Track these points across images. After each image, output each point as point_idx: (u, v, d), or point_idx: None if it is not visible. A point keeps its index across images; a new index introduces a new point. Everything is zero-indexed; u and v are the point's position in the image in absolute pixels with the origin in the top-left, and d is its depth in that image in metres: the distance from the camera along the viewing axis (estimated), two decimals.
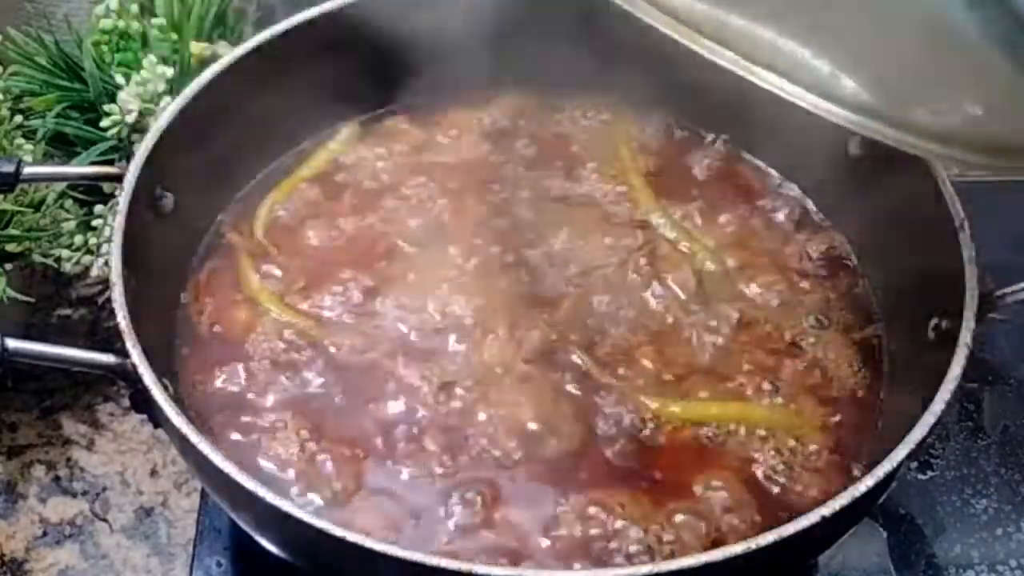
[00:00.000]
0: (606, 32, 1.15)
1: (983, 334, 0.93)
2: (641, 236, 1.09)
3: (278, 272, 1.07)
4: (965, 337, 0.91)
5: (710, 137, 1.17)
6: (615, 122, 1.18)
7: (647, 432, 0.97)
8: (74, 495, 1.14)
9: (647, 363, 1.01)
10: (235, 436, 0.97)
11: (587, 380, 1.00)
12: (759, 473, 0.96)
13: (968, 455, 1.13)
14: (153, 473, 1.15)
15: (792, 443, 0.97)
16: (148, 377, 0.88)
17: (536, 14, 1.14)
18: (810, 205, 1.14)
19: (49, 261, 1.15)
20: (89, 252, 1.15)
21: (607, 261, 1.07)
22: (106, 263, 1.00)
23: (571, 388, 0.99)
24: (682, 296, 1.05)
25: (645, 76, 1.15)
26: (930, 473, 1.12)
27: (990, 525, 1.09)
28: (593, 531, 0.91)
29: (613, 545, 0.91)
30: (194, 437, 0.86)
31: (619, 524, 0.92)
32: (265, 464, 0.95)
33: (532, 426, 0.96)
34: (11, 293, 1.11)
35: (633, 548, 0.91)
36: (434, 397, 0.98)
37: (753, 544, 0.81)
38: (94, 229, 1.15)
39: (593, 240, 1.09)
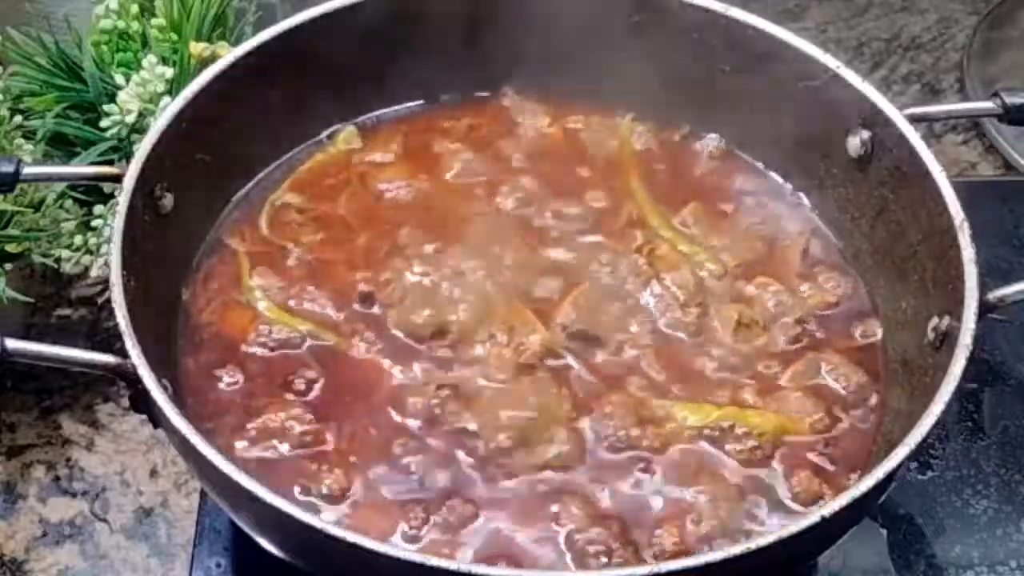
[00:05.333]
0: (605, 33, 1.15)
1: (983, 334, 0.93)
2: (640, 237, 1.09)
3: (278, 273, 1.07)
4: (965, 338, 0.91)
5: (710, 137, 1.17)
6: (614, 122, 1.18)
7: (645, 435, 0.97)
8: (74, 495, 1.14)
9: (645, 365, 1.01)
10: (235, 436, 0.97)
11: (586, 383, 1.00)
12: (758, 475, 0.96)
13: (968, 455, 1.13)
14: (153, 473, 1.15)
15: (791, 444, 0.97)
16: (148, 377, 0.88)
17: (536, 15, 1.14)
18: (809, 206, 1.14)
19: (49, 261, 1.15)
20: (89, 252, 1.15)
21: (606, 262, 1.07)
22: (106, 263, 1.00)
23: (570, 391, 0.99)
24: (681, 297, 1.05)
25: (645, 76, 1.15)
26: (930, 473, 1.12)
27: (990, 525, 1.09)
28: (591, 533, 0.91)
29: (611, 547, 0.91)
30: (194, 437, 0.85)
31: (618, 527, 0.92)
32: (264, 464, 0.95)
33: (531, 429, 0.96)
34: (11, 293, 1.10)
35: (631, 550, 0.91)
36: (432, 400, 0.98)
37: (753, 544, 0.81)
38: (94, 229, 1.14)
39: (592, 241, 1.09)
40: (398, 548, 0.81)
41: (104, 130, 1.15)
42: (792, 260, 1.10)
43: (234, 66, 1.07)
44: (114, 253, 0.94)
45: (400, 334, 1.02)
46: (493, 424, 0.96)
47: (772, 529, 0.84)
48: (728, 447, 0.97)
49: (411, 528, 0.92)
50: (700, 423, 0.98)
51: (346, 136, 1.17)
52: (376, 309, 1.04)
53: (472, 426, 0.97)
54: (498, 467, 0.95)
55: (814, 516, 0.83)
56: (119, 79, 1.15)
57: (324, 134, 1.17)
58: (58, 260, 1.15)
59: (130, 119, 1.14)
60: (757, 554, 0.81)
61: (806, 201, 1.14)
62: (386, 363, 1.01)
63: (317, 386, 1.00)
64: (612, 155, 1.16)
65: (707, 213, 1.12)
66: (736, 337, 1.03)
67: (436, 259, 1.06)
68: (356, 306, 1.04)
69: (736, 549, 0.81)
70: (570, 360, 1.01)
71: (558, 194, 1.13)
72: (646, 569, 0.80)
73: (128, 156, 1.13)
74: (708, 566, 0.81)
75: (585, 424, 0.98)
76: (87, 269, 1.16)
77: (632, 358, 1.01)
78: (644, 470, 0.96)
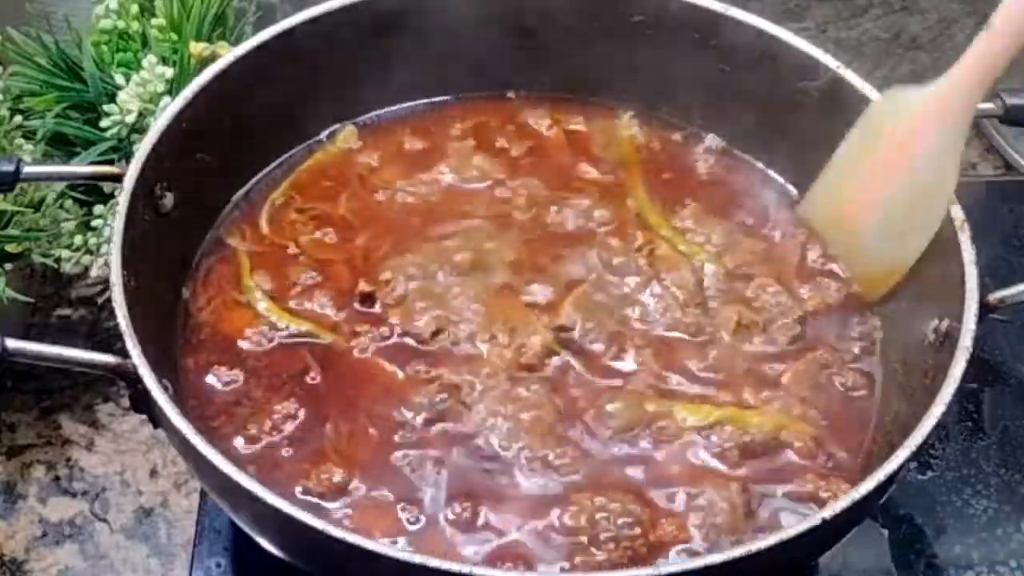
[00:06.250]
0: (606, 33, 1.15)
1: (983, 335, 0.93)
2: (640, 237, 1.09)
3: (278, 273, 1.07)
4: (965, 339, 0.91)
5: (710, 137, 1.17)
6: (614, 122, 1.18)
7: (645, 435, 0.97)
8: (74, 495, 1.14)
9: (645, 365, 1.01)
10: (235, 436, 0.97)
11: (586, 383, 1.00)
12: (759, 475, 0.96)
13: (968, 455, 1.14)
14: (153, 473, 1.15)
15: (791, 446, 0.97)
16: (148, 377, 0.88)
17: (537, 16, 1.14)
18: None
19: (49, 261, 1.15)
20: (89, 252, 1.15)
21: (606, 262, 1.07)
22: (106, 263, 1.00)
23: (570, 391, 0.99)
24: (680, 297, 1.05)
25: (645, 76, 1.15)
26: (930, 473, 1.12)
27: (990, 525, 1.09)
28: (591, 532, 0.91)
29: (611, 547, 0.91)
30: (194, 437, 0.86)
31: (617, 528, 0.92)
32: (264, 464, 0.95)
33: (531, 429, 0.96)
34: (11, 293, 1.10)
35: (630, 550, 0.91)
36: (433, 400, 0.98)
37: (754, 546, 0.81)
38: (94, 229, 1.15)
39: (592, 241, 1.09)
40: (398, 548, 0.81)
41: (104, 130, 1.15)
42: (792, 260, 1.09)
43: (234, 66, 1.07)
44: (114, 253, 0.94)
45: (400, 334, 1.02)
46: (494, 424, 0.96)
47: (772, 530, 0.83)
48: (728, 447, 0.97)
49: (411, 528, 0.92)
50: (700, 423, 0.98)
51: (346, 136, 1.17)
52: (376, 309, 1.04)
53: (473, 426, 0.97)
54: (499, 466, 0.95)
55: (815, 518, 0.83)
56: (119, 79, 1.15)
57: (324, 134, 1.17)
58: (58, 260, 1.15)
59: (130, 119, 1.14)
60: (758, 556, 0.81)
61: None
62: (386, 363, 1.01)
63: (317, 386, 1.00)
64: (612, 155, 1.16)
65: (707, 213, 1.12)
66: (736, 337, 1.03)
67: (436, 259, 1.06)
68: (356, 306, 1.04)
69: (737, 551, 0.81)
70: (571, 360, 1.01)
71: (558, 194, 1.13)
72: (647, 571, 0.80)
73: (128, 156, 1.13)
74: (708, 568, 0.81)
75: (585, 424, 0.97)
76: (87, 269, 1.16)
77: (632, 358, 1.01)
78: (644, 470, 0.96)
